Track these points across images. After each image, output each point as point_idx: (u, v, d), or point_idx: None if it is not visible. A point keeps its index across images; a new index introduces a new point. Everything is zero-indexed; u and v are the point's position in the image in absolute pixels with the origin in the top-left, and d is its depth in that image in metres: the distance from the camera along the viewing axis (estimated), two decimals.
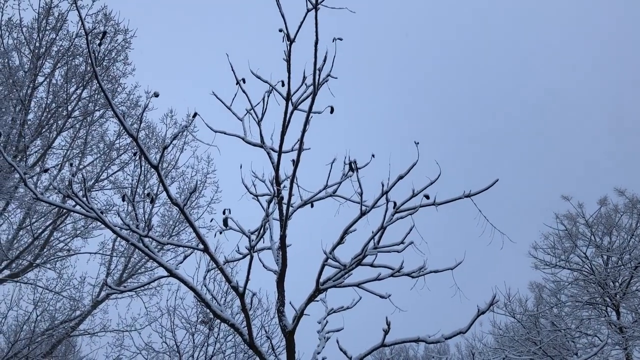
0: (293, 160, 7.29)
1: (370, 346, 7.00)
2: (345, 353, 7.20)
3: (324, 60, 6.96)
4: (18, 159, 13.85)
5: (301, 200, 7.94)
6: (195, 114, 7.19)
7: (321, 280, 7.21)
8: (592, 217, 19.66)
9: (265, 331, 13.72)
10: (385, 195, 7.15)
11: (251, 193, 8.20)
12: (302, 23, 6.70)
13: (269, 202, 7.72)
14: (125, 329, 14.62)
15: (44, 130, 14.54)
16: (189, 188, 16.33)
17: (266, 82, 7.53)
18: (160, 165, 6.56)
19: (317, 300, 7.59)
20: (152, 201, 7.94)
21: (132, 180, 15.47)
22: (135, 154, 14.59)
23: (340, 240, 7.34)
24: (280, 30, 6.77)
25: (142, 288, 15.11)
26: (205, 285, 7.74)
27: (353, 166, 7.42)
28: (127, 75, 15.76)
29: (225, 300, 14.44)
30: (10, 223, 14.34)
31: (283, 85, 7.21)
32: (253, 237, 7.19)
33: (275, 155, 7.51)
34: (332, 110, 7.31)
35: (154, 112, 19.90)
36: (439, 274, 7.24)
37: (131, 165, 15.79)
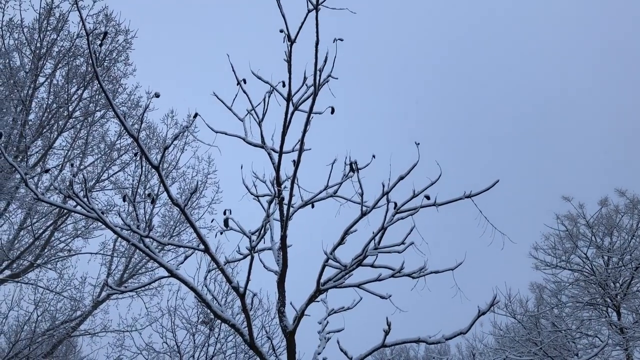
0: (294, 161, 7.30)
1: (371, 347, 7.01)
2: (345, 353, 7.20)
3: (325, 61, 6.97)
4: (19, 159, 13.86)
5: (302, 201, 7.94)
6: (196, 115, 7.20)
7: (322, 280, 7.21)
8: (592, 218, 19.67)
9: (266, 331, 13.73)
10: (385, 196, 7.15)
11: (252, 193, 8.20)
12: (302, 24, 6.70)
13: (270, 202, 7.73)
14: (126, 329, 14.62)
15: (45, 130, 14.55)
16: (190, 188, 16.35)
17: (267, 82, 7.53)
18: (161, 165, 6.57)
19: (318, 301, 7.60)
20: (153, 201, 7.95)
21: (133, 181, 15.48)
22: (136, 155, 14.58)
23: (341, 241, 7.34)
24: (281, 31, 6.77)
25: (143, 288, 15.12)
26: (205, 286, 7.74)
27: (354, 167, 7.43)
28: (128, 75, 15.79)
29: (225, 300, 14.44)
30: (11, 223, 14.36)
31: (284, 85, 7.21)
32: (254, 237, 7.20)
33: (276, 156, 7.52)
34: (332, 111, 7.31)
35: (154, 112, 19.87)
36: (439, 274, 7.25)
37: (132, 166, 15.81)
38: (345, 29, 7.04)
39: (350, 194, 7.86)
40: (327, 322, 7.92)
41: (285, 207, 7.27)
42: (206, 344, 13.85)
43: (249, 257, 6.80)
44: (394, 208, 7.14)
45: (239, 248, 7.95)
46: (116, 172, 15.78)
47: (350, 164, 7.50)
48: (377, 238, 7.11)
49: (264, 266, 7.79)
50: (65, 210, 13.56)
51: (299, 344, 7.13)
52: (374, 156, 7.72)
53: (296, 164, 7.23)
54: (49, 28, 14.46)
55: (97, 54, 8.42)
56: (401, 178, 7.25)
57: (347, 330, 7.89)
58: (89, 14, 14.47)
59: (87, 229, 15.00)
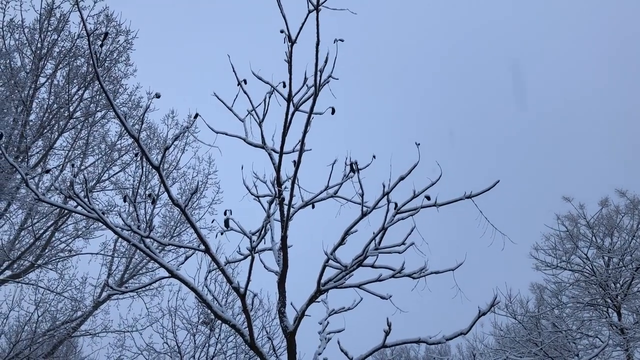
0: (294, 161, 7.30)
1: (371, 347, 7.01)
2: (346, 354, 7.21)
3: (325, 62, 6.97)
4: (20, 159, 13.87)
5: (302, 201, 7.95)
6: (196, 115, 7.20)
7: (322, 281, 7.21)
8: (593, 218, 19.66)
9: (267, 332, 13.74)
10: (386, 196, 7.16)
11: (252, 194, 8.20)
12: (303, 24, 6.70)
13: (270, 203, 7.73)
14: (126, 330, 14.63)
15: (45, 131, 14.56)
16: (190, 189, 16.36)
17: (267, 83, 7.54)
18: (161, 166, 6.57)
19: (318, 301, 7.60)
20: (154, 202, 7.96)
21: (134, 181, 15.49)
22: (136, 155, 14.59)
23: (341, 241, 7.34)
24: (282, 32, 6.77)
25: (144, 289, 15.12)
26: (206, 286, 7.73)
27: (354, 167, 7.43)
28: (129, 76, 15.81)
29: (226, 301, 14.45)
30: (11, 224, 14.37)
31: (284, 86, 7.21)
32: (254, 238, 7.21)
33: (276, 156, 7.52)
34: (333, 111, 7.31)
35: (155, 113, 19.94)
36: (440, 275, 7.25)
37: (132, 166, 15.82)
38: (345, 30, 7.05)
39: (351, 195, 7.87)
40: (328, 323, 7.92)
41: (285, 208, 7.27)
42: (207, 345, 13.86)
43: (250, 257, 6.80)
44: (395, 208, 7.15)
45: (239, 248, 7.96)
46: (117, 173, 15.81)
47: (351, 165, 7.50)
48: (377, 238, 7.11)
49: (265, 266, 7.79)
50: (66, 211, 13.58)
51: (299, 344, 7.14)
52: (374, 156, 7.72)
53: (297, 164, 7.23)
54: (49, 28, 14.48)
55: (98, 55, 8.43)
56: (402, 178, 7.25)
57: (347, 330, 7.89)
58: (90, 15, 14.51)
59: (87, 229, 15.01)
